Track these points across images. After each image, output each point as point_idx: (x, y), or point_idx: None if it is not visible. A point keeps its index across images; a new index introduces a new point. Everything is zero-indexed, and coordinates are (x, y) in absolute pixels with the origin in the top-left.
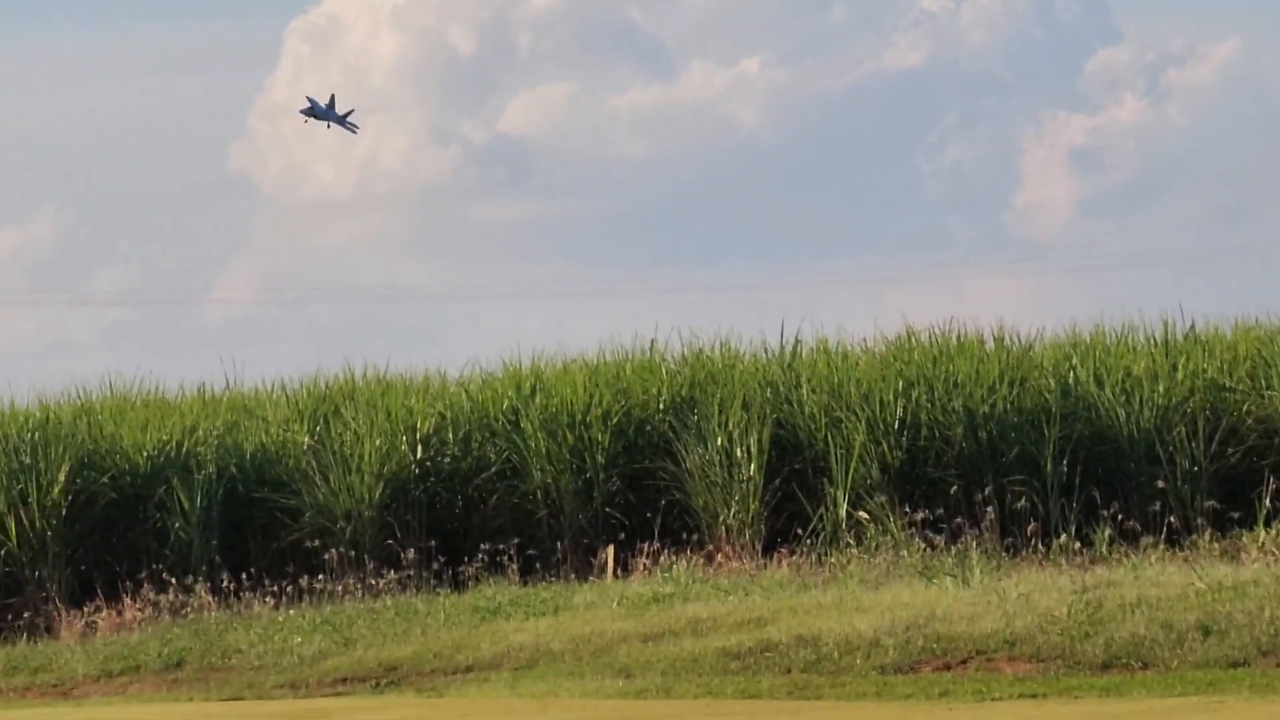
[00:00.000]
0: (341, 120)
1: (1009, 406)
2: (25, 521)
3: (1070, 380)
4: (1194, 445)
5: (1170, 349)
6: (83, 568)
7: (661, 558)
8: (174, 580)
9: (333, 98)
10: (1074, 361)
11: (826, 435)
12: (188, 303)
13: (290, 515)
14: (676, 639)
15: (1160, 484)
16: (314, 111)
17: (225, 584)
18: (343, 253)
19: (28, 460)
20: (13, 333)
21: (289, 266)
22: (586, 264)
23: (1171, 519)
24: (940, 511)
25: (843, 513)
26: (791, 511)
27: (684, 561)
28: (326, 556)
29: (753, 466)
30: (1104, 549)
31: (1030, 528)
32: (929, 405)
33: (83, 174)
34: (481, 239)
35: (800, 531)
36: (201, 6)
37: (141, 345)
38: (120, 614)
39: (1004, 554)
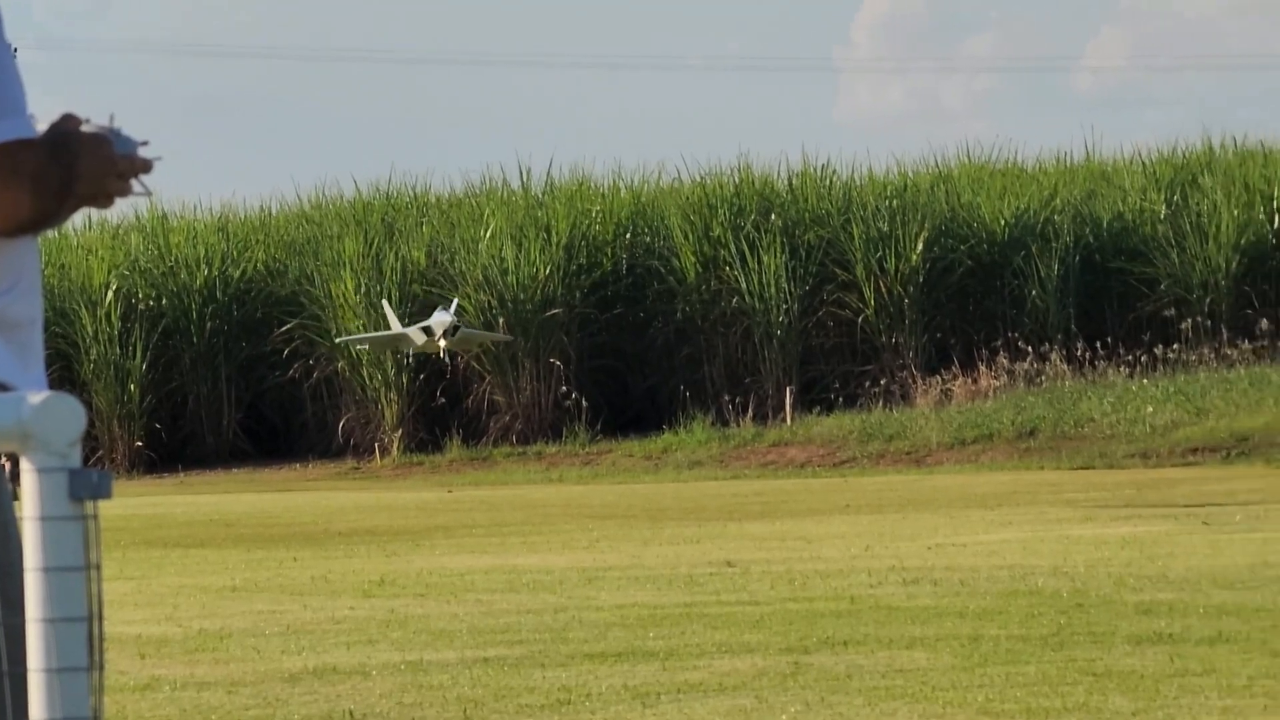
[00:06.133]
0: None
1: None
2: (883, 289)
3: None
4: None
5: None
6: (938, 335)
7: None
8: (1029, 348)
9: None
10: None
11: None
12: (1057, 69)
13: (1145, 284)
14: None
15: None
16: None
17: (1080, 352)
18: (1217, 18)
19: (885, 228)
20: (882, 100)
21: (1161, 33)
22: None
23: None
24: None
25: None
26: None
27: None
28: (1182, 326)
29: None
30: None
31: None
32: None
33: None
34: None
35: None
36: None
37: (1008, 112)
38: (975, 382)
39: None
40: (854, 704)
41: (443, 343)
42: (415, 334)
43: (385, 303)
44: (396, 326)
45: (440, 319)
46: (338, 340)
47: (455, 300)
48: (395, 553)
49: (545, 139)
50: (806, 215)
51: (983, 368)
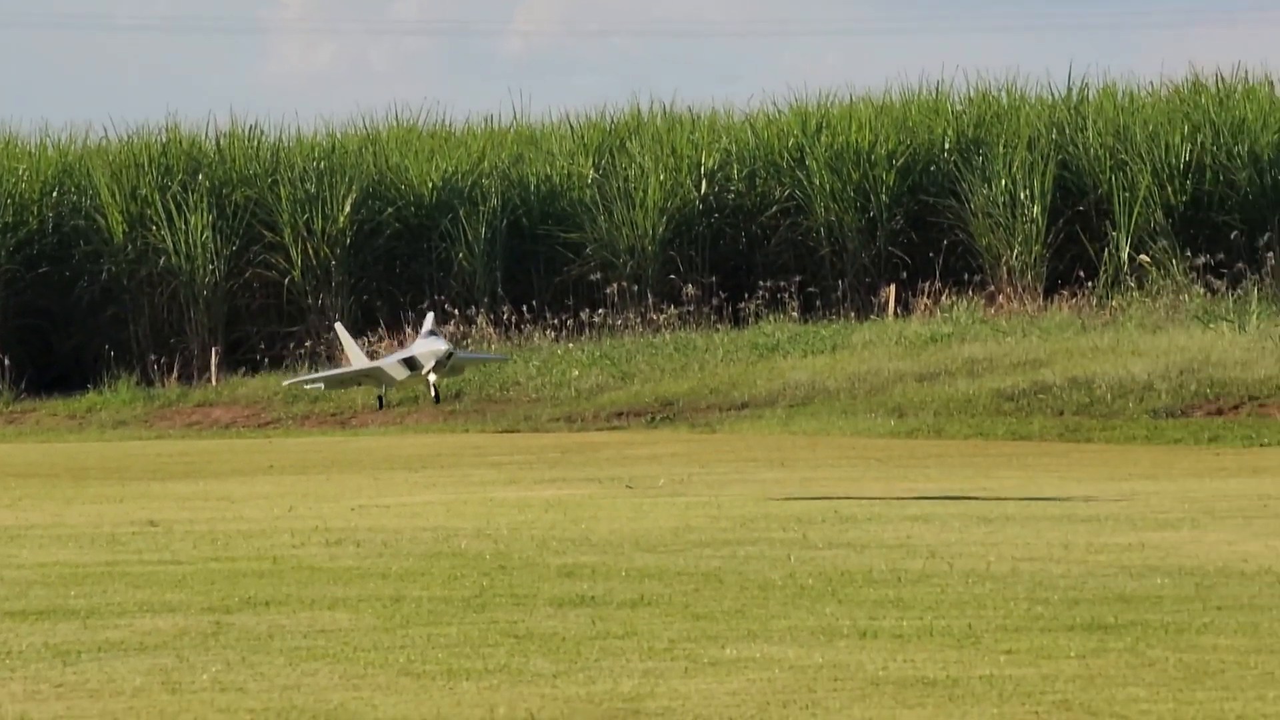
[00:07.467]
0: None
1: None
2: (310, 251)
3: None
4: None
5: None
6: (365, 298)
7: (943, 298)
8: (456, 311)
9: None
10: None
11: (1111, 178)
12: (487, 33)
13: (573, 249)
14: (951, 379)
15: None
16: None
17: (507, 316)
18: None
19: (313, 190)
20: (310, 60)
21: None
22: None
23: None
24: (1221, 256)
25: (1124, 256)
26: (1074, 254)
27: (964, 302)
28: (608, 291)
29: (1036, 208)
30: None
31: None
32: (1214, 149)
33: None
34: None
35: (1082, 274)
36: None
37: (437, 75)
38: (401, 344)
39: None
40: (275, 664)
41: (433, 377)
42: (394, 369)
43: (339, 326)
44: (359, 358)
45: (431, 347)
46: (285, 383)
47: (431, 313)
48: None
49: None
50: (234, 175)
51: (409, 330)
